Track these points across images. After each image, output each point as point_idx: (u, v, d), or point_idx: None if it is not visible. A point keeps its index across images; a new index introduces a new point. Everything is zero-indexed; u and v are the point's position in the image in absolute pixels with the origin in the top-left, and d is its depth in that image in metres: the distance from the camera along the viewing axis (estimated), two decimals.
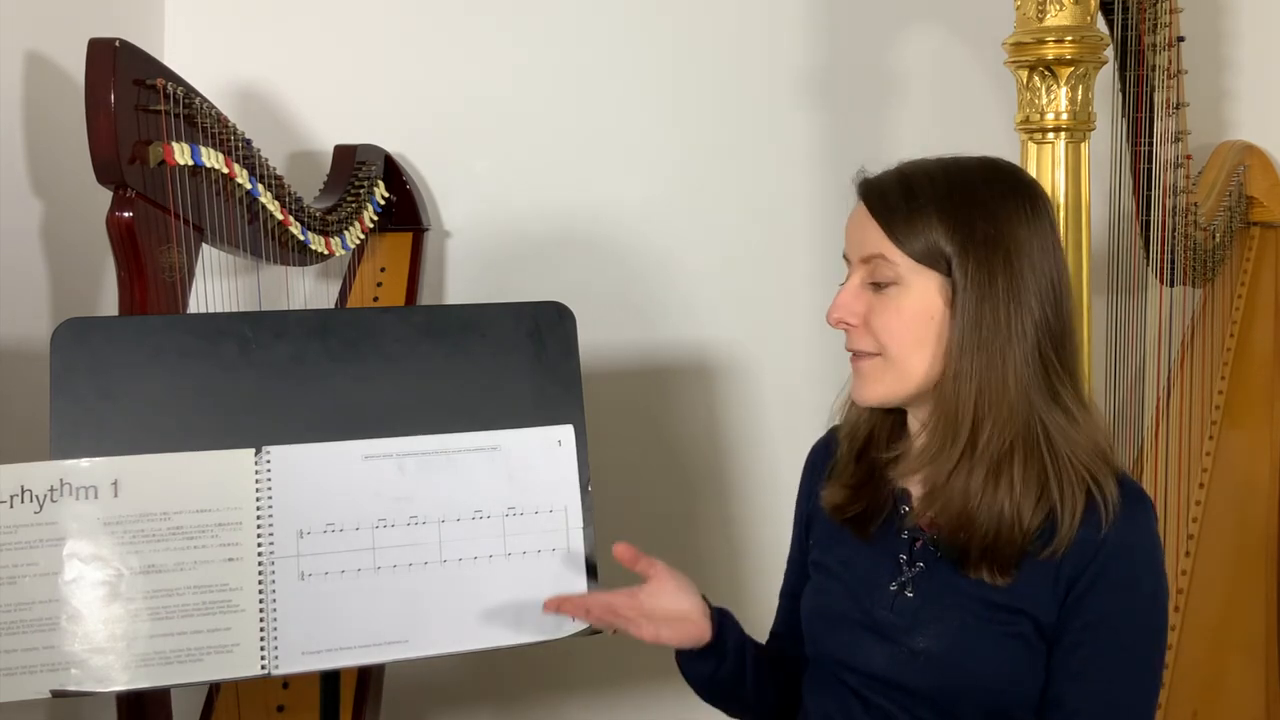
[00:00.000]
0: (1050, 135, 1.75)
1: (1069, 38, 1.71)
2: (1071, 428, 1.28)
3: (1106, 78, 1.87)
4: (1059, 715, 1.26)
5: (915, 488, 1.37)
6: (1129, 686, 1.26)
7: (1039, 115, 1.75)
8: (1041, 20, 1.72)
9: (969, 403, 1.26)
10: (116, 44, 1.72)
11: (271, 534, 1.46)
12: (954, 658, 1.28)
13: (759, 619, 1.68)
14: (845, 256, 1.35)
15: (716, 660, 1.44)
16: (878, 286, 1.30)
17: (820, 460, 1.49)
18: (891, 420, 1.40)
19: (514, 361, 1.61)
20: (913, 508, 1.37)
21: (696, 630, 1.41)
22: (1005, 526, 1.26)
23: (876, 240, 1.29)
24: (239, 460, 1.48)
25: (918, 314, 1.28)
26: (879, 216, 1.30)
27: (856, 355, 1.33)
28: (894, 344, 1.29)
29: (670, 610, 1.41)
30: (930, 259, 1.28)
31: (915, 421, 1.37)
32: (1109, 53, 1.81)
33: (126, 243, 1.76)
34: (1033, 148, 1.76)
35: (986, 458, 1.26)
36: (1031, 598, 1.27)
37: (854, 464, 1.41)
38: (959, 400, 1.27)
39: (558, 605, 1.45)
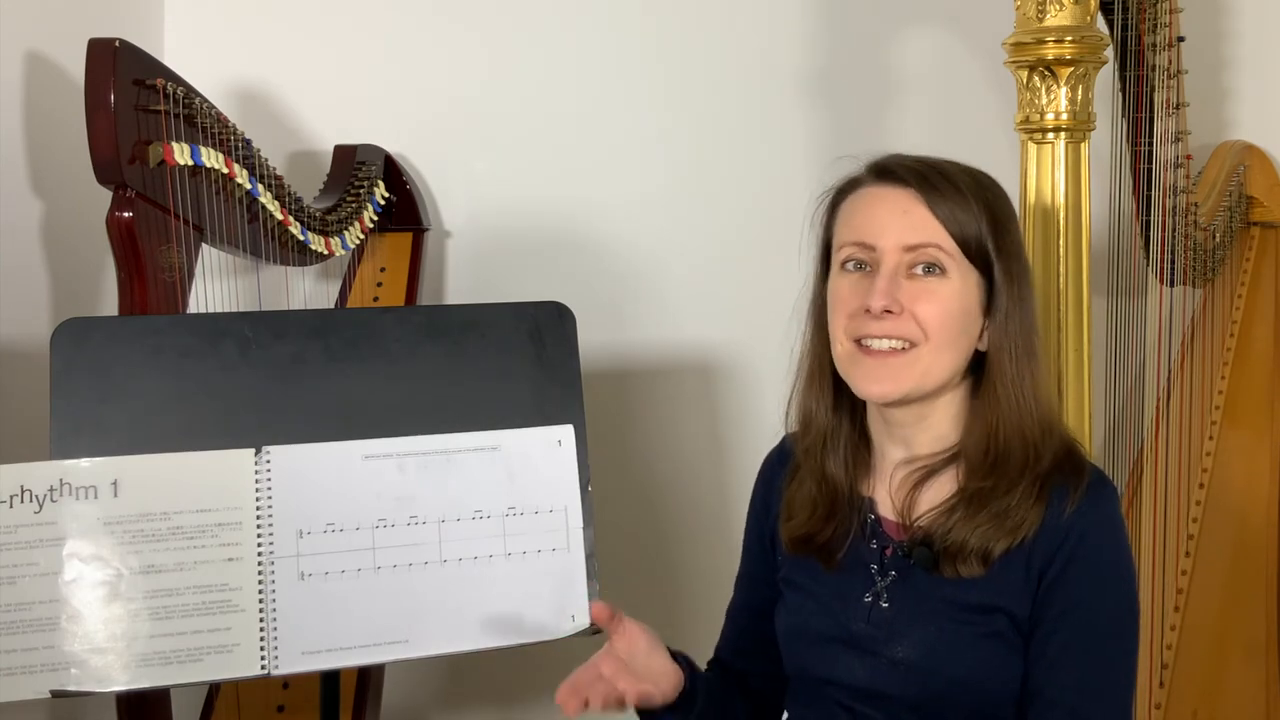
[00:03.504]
0: (1050, 135, 1.74)
1: (1069, 38, 1.71)
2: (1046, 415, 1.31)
3: (1106, 78, 1.87)
4: (1039, 705, 1.26)
5: (883, 494, 1.36)
6: (1106, 671, 1.26)
7: (1039, 115, 1.74)
8: (1041, 20, 1.72)
9: (1028, 418, 1.28)
10: (116, 44, 1.72)
11: (271, 534, 1.46)
12: (934, 664, 1.28)
13: None
14: (863, 243, 1.29)
15: (686, 711, 1.39)
16: (916, 276, 1.27)
17: (775, 474, 1.47)
18: (849, 430, 1.38)
19: (514, 361, 1.61)
20: (879, 515, 1.36)
21: (676, 681, 1.37)
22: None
23: (929, 229, 1.27)
24: (239, 460, 1.48)
25: (961, 306, 1.27)
26: (934, 205, 1.27)
27: (879, 351, 1.28)
28: (939, 332, 1.26)
29: (651, 668, 1.35)
30: (975, 255, 1.27)
31: (887, 425, 1.36)
32: (1109, 53, 1.81)
33: (126, 243, 1.76)
34: (1033, 148, 1.76)
35: (1040, 475, 1.27)
36: (1005, 593, 1.27)
37: (817, 490, 1.37)
38: (1022, 407, 1.28)
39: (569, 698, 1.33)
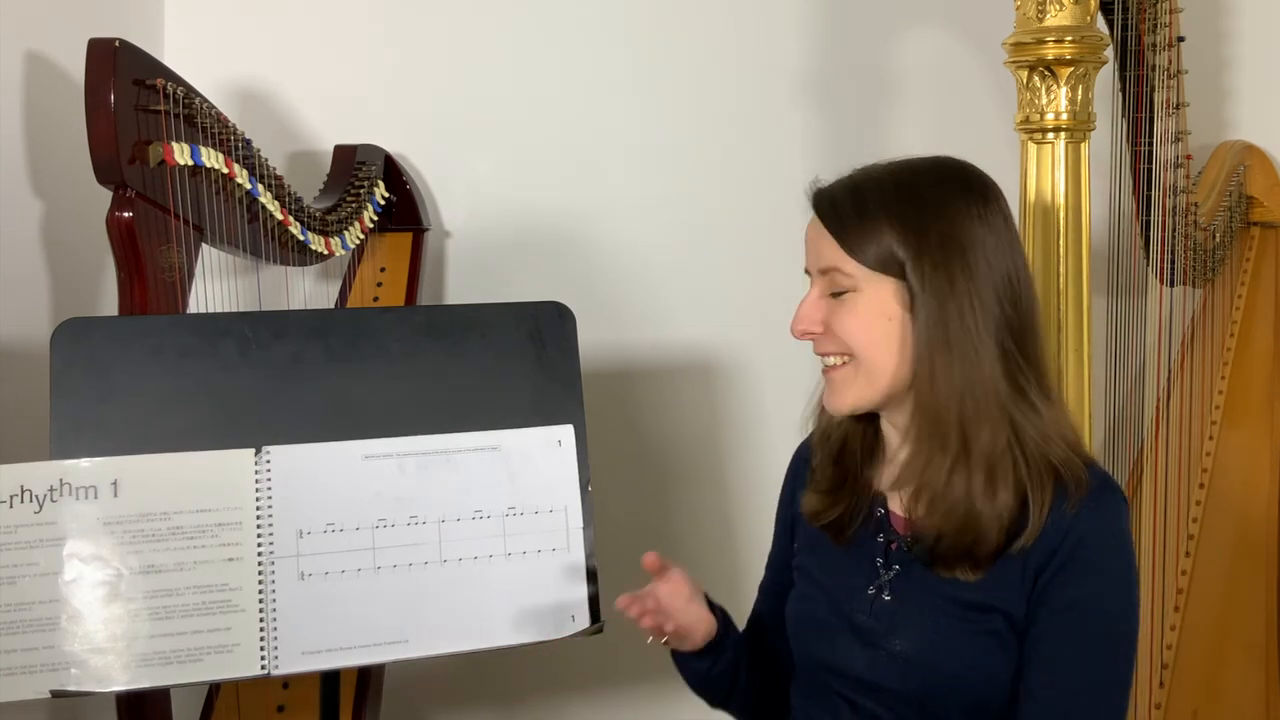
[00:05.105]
0: (1050, 135, 1.75)
1: (1069, 38, 1.71)
2: (1039, 420, 1.29)
3: (1106, 78, 1.87)
4: (1029, 705, 1.27)
5: (892, 491, 1.38)
6: (1096, 673, 1.26)
7: (1039, 115, 1.75)
8: (1041, 20, 1.72)
9: (952, 406, 1.27)
10: (116, 44, 1.72)
11: (271, 534, 1.46)
12: (930, 659, 1.29)
13: None
14: (806, 270, 1.37)
15: (714, 657, 1.46)
16: (836, 295, 1.32)
17: (803, 465, 1.50)
18: (863, 428, 1.41)
19: (514, 361, 1.61)
20: (889, 510, 1.38)
21: (709, 630, 1.44)
22: (996, 526, 1.26)
23: (831, 253, 1.31)
24: (239, 460, 1.48)
25: (875, 315, 1.30)
26: (831, 228, 1.31)
27: (828, 367, 1.35)
28: (859, 344, 1.30)
29: (690, 615, 1.43)
30: (884, 265, 1.29)
31: (891, 428, 1.38)
32: (1109, 53, 1.81)
33: (126, 243, 1.76)
34: (1033, 148, 1.76)
35: (984, 461, 1.27)
36: (1002, 592, 1.28)
37: (831, 469, 1.42)
38: (939, 404, 1.28)
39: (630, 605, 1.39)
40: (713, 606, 1.46)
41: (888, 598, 1.34)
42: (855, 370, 1.32)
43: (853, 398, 1.33)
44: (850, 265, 1.30)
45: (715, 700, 1.53)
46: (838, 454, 1.42)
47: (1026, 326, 1.30)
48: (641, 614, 1.38)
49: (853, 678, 1.35)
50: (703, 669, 1.47)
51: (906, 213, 1.29)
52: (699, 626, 1.43)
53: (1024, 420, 1.28)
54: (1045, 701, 1.26)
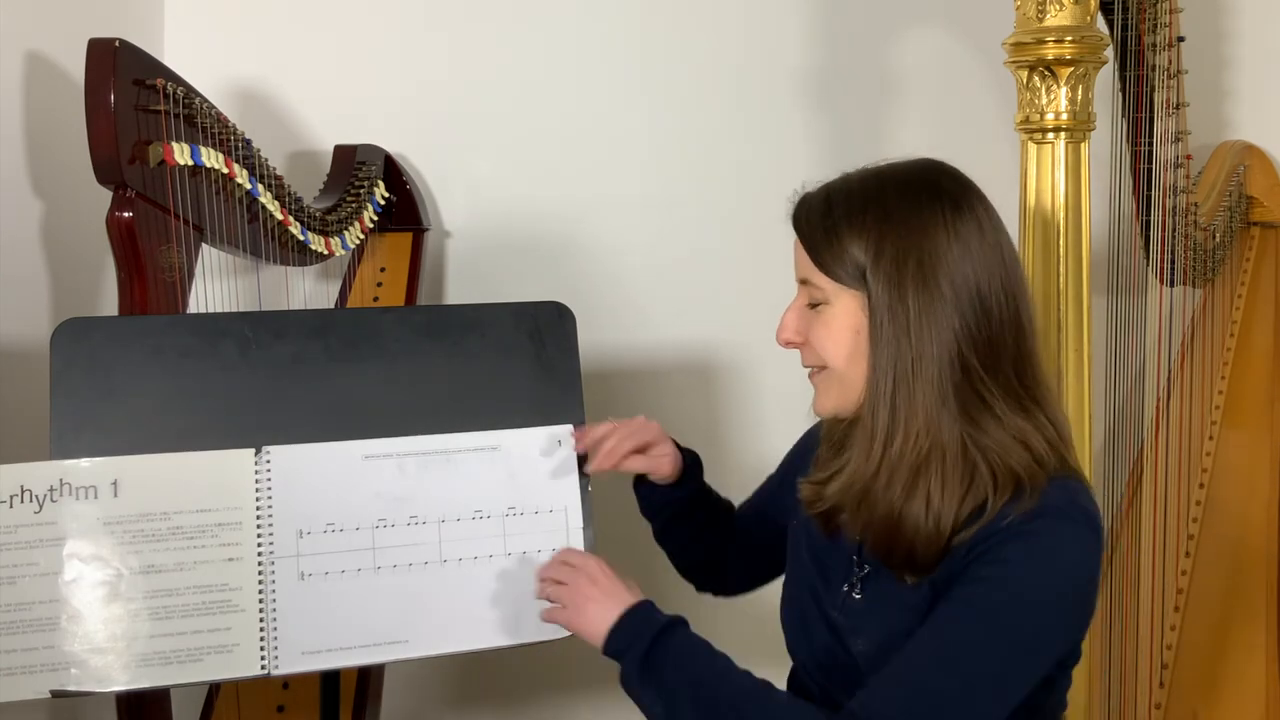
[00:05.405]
0: (1050, 135, 1.75)
1: (1069, 38, 1.71)
2: (1000, 432, 1.26)
3: (1106, 78, 1.87)
4: (888, 664, 1.25)
5: None
6: (958, 652, 1.22)
7: (1039, 115, 1.75)
8: (1041, 20, 1.72)
9: (883, 415, 1.27)
10: (116, 44, 1.72)
11: (271, 534, 1.46)
12: (880, 662, 1.28)
13: (758, 615, 1.68)
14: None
15: (653, 489, 1.61)
16: (813, 306, 1.33)
17: (811, 448, 1.51)
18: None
19: (514, 361, 1.61)
20: None
21: (674, 470, 1.61)
22: (925, 533, 1.25)
23: (805, 265, 1.33)
24: (239, 460, 1.48)
25: (844, 328, 1.30)
26: (804, 241, 1.33)
27: (812, 374, 1.37)
28: (831, 357, 1.32)
29: (656, 453, 1.61)
30: (851, 279, 1.29)
31: None
32: (1109, 53, 1.81)
33: (126, 243, 1.76)
34: (1033, 148, 1.76)
35: (904, 468, 1.26)
36: (944, 589, 1.26)
37: (831, 462, 1.42)
38: (875, 413, 1.28)
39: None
40: (683, 450, 1.64)
41: (858, 596, 1.35)
42: (829, 379, 1.34)
43: (831, 404, 1.35)
44: (820, 278, 1.31)
45: (655, 527, 1.67)
46: (839, 450, 1.42)
47: (997, 339, 1.27)
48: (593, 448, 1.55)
49: (831, 672, 1.37)
50: (656, 499, 1.63)
51: (869, 224, 1.28)
52: (663, 465, 1.60)
53: (979, 432, 1.26)
54: (901, 659, 1.23)
